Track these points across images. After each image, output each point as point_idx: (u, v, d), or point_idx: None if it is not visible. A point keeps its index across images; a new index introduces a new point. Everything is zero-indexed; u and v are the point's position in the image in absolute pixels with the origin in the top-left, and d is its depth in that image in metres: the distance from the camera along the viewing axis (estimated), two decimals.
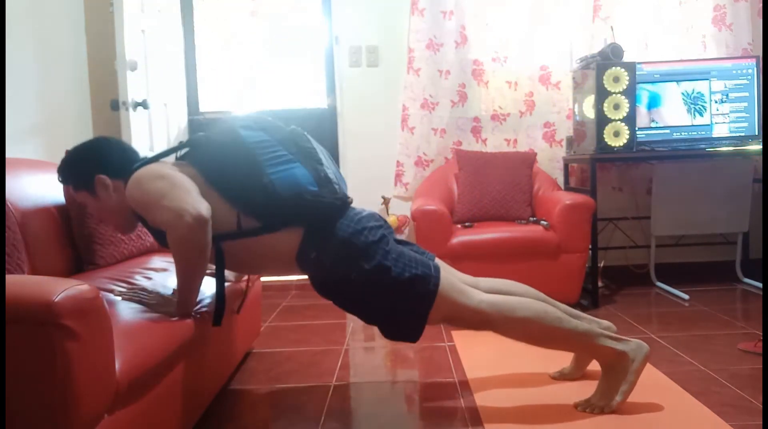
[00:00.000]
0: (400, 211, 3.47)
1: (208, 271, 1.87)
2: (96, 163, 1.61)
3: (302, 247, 1.57)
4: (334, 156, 3.56)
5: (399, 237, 3.33)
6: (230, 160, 1.55)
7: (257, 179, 1.52)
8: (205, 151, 1.60)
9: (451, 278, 1.65)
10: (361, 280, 1.55)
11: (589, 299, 2.94)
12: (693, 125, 3.20)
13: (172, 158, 1.69)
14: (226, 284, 1.83)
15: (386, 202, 3.45)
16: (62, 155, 1.96)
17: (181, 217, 1.40)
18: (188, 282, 1.47)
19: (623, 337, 1.69)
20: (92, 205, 1.65)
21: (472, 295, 1.64)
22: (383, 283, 1.55)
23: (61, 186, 1.98)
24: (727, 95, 3.19)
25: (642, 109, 3.17)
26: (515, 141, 3.47)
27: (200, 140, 1.63)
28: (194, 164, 1.60)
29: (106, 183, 1.61)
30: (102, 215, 1.67)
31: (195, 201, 1.43)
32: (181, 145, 1.68)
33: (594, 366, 1.94)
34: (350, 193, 3.51)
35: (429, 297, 1.58)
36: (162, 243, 1.59)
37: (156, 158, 1.62)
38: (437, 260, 1.74)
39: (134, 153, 1.69)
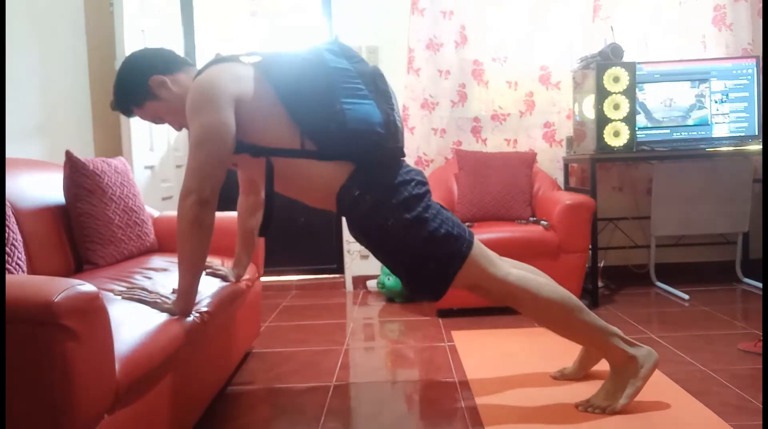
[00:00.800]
0: None
1: (208, 271, 1.88)
2: (141, 71, 1.60)
3: (348, 183, 1.56)
4: None
5: None
6: (308, 80, 1.53)
7: (330, 105, 1.51)
8: (285, 65, 1.57)
9: (484, 247, 1.66)
10: (397, 227, 1.55)
11: (589, 299, 2.94)
12: (693, 125, 3.20)
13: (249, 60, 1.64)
14: (226, 284, 1.84)
15: None
16: (62, 155, 1.96)
17: (187, 196, 1.42)
18: (187, 265, 1.46)
19: (636, 342, 1.70)
20: (164, 111, 1.63)
21: (502, 266, 1.65)
22: (418, 235, 1.55)
23: (61, 186, 1.98)
24: (727, 95, 3.19)
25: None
26: (515, 141, 3.47)
27: (282, 54, 1.60)
28: (268, 76, 1.56)
29: (162, 80, 1.59)
30: (178, 118, 1.63)
31: (209, 175, 1.43)
32: (262, 54, 1.63)
33: (595, 366, 1.94)
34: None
35: (460, 257, 1.58)
36: None
37: (228, 59, 1.58)
38: None
39: (175, 53, 1.68)
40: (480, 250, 1.63)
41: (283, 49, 1.63)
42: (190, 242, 1.44)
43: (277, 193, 1.61)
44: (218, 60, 1.59)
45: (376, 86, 1.59)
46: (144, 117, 1.67)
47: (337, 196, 1.58)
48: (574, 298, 1.68)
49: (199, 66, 1.67)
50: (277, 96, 1.54)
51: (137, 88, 1.60)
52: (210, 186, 1.44)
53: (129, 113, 1.67)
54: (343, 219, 1.63)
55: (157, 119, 1.67)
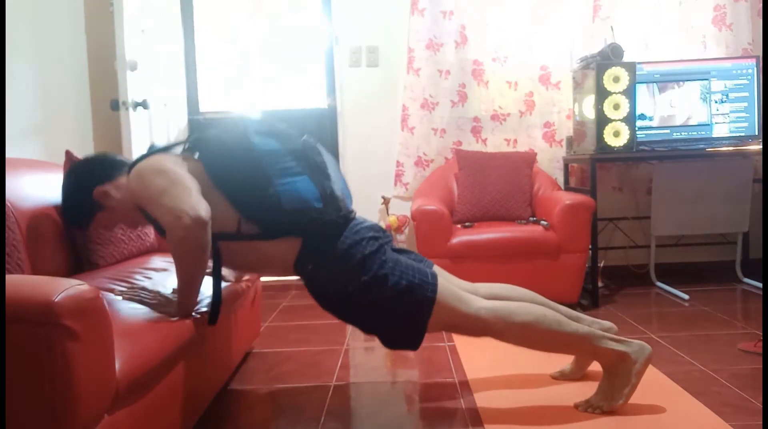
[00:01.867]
0: (400, 211, 3.47)
1: (208, 271, 1.88)
2: (85, 185, 1.62)
3: (299, 258, 1.58)
4: (334, 156, 3.56)
5: (399, 236, 3.31)
6: (238, 165, 1.55)
7: (263, 189, 1.52)
8: (215, 151, 1.59)
9: (450, 286, 1.64)
10: (359, 291, 1.55)
11: (589, 299, 2.94)
12: (693, 125, 3.20)
13: (178, 151, 1.68)
14: (226, 284, 1.84)
15: (386, 202, 3.45)
16: (62, 155, 1.96)
17: (179, 218, 1.39)
18: (188, 282, 1.46)
19: (625, 339, 1.69)
20: (115, 218, 1.66)
21: (471, 302, 1.63)
22: (381, 293, 1.55)
23: (60, 186, 1.98)
24: (727, 95, 3.19)
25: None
26: (515, 141, 3.47)
27: (210, 139, 1.62)
28: (202, 160, 1.59)
29: (106, 190, 1.61)
30: (129, 219, 1.66)
31: (194, 201, 1.42)
32: (189, 141, 1.66)
33: (595, 366, 1.94)
34: (351, 193, 3.51)
35: (427, 305, 1.57)
36: (163, 235, 1.58)
37: (161, 150, 1.61)
38: (435, 268, 1.74)
39: (112, 155, 1.70)
40: (446, 290, 1.61)
41: (210, 132, 1.64)
42: (191, 263, 1.44)
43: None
44: (151, 152, 1.59)
45: (308, 161, 1.60)
46: (98, 229, 1.71)
47: (294, 269, 1.60)
48: (550, 314, 1.66)
49: None
50: (213, 183, 1.55)
51: (84, 204, 1.63)
52: (191, 208, 1.40)
53: (88, 227, 1.71)
54: None
55: (109, 227, 1.72)
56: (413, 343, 1.61)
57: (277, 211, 1.52)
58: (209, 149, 1.60)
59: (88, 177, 1.63)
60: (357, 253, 1.56)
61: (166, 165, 1.50)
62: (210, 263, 1.94)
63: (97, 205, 1.63)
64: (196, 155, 1.63)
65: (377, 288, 1.55)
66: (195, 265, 1.45)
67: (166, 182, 1.45)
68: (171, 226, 1.41)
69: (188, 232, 1.39)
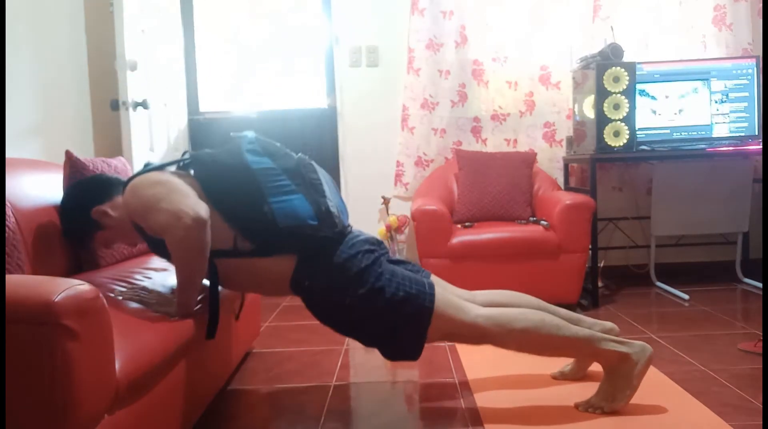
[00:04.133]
0: (400, 211, 3.47)
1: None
2: (83, 206, 1.65)
3: (295, 275, 1.57)
4: (334, 156, 3.56)
5: (399, 236, 3.32)
6: (233, 183, 1.56)
7: (258, 206, 1.53)
8: (210, 170, 1.60)
9: (447, 295, 1.64)
10: (356, 304, 1.55)
11: (589, 299, 2.94)
12: (693, 125, 3.20)
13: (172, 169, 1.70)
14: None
15: (386, 202, 3.45)
16: (62, 155, 1.96)
17: (179, 218, 1.40)
18: (188, 283, 1.46)
19: (626, 340, 1.69)
20: (113, 236, 1.69)
21: (469, 310, 1.63)
22: (378, 305, 1.55)
23: (61, 186, 1.98)
24: (727, 95, 3.19)
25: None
26: (515, 141, 3.47)
27: (205, 158, 1.63)
28: (197, 178, 1.60)
29: (104, 210, 1.64)
30: (128, 237, 1.68)
31: (193, 203, 1.43)
32: (183, 160, 1.68)
33: (595, 366, 1.94)
34: (351, 193, 3.51)
35: (425, 315, 1.57)
36: (160, 254, 1.60)
37: (155, 168, 1.62)
38: (433, 277, 1.74)
39: (107, 176, 1.74)
40: (444, 299, 1.61)
41: (205, 151, 1.65)
42: (191, 263, 1.45)
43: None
44: (148, 169, 1.60)
45: (303, 177, 1.60)
46: (98, 247, 1.75)
47: (290, 287, 1.60)
48: (549, 319, 1.65)
49: None
50: (209, 200, 1.55)
51: (82, 224, 1.66)
52: (190, 209, 1.41)
53: (89, 244, 1.75)
54: None
55: (109, 244, 1.73)
56: (413, 354, 1.62)
57: (272, 229, 1.53)
58: (204, 167, 1.62)
59: (86, 198, 1.66)
60: (353, 266, 1.56)
61: (163, 177, 1.52)
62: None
63: (96, 225, 1.65)
64: (192, 173, 1.64)
65: (375, 300, 1.55)
66: (195, 265, 1.45)
67: (163, 191, 1.46)
68: (171, 226, 1.41)
69: (188, 232, 1.40)
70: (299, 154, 1.67)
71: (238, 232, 1.56)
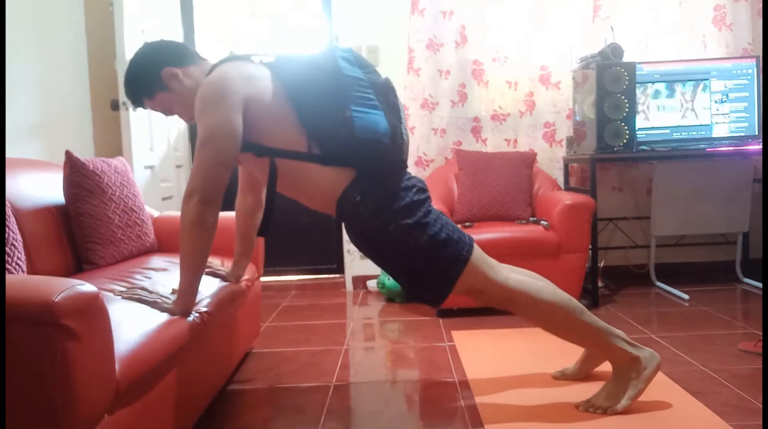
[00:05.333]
0: None
1: (207, 271, 1.88)
2: (154, 62, 1.61)
3: (349, 189, 1.56)
4: None
5: None
6: (320, 84, 1.54)
7: (340, 111, 1.52)
8: (298, 67, 1.58)
9: (483, 253, 1.66)
10: (398, 232, 1.55)
11: (589, 299, 2.94)
12: (693, 125, 3.20)
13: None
14: (225, 284, 1.84)
15: None
16: (62, 155, 1.96)
17: (191, 195, 1.43)
18: (188, 261, 1.46)
19: (638, 344, 1.70)
20: (175, 103, 1.64)
21: (501, 270, 1.66)
22: (419, 239, 1.55)
23: (61, 186, 1.98)
24: (727, 95, 3.19)
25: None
26: (515, 141, 3.47)
27: (296, 57, 1.60)
28: (280, 77, 1.57)
29: (175, 72, 1.60)
30: (189, 110, 1.64)
31: (212, 175, 1.43)
32: (276, 55, 1.65)
33: (596, 368, 1.94)
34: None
35: (461, 261, 1.58)
36: None
37: (241, 58, 1.60)
38: None
39: (185, 44, 1.69)
40: (480, 254, 1.64)
41: (297, 51, 1.63)
42: (192, 242, 1.44)
43: (277, 193, 1.61)
44: (231, 58, 1.60)
45: (387, 98, 1.60)
46: (154, 108, 1.68)
47: (338, 201, 1.58)
48: (574, 301, 1.68)
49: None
50: (287, 98, 1.55)
51: (149, 78, 1.61)
52: (213, 186, 1.44)
53: (140, 104, 1.68)
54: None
55: (167, 111, 1.68)
56: (436, 299, 1.62)
57: (347, 137, 1.52)
58: (294, 64, 1.59)
59: (163, 55, 1.62)
60: (406, 196, 1.57)
61: (229, 90, 1.47)
62: (212, 261, 1.96)
63: (162, 85, 1.61)
64: (274, 70, 1.60)
65: (417, 233, 1.55)
66: (196, 244, 1.44)
67: (213, 128, 1.45)
68: (185, 197, 1.44)
69: (194, 208, 1.42)
70: (386, 77, 1.66)
71: (310, 135, 1.54)
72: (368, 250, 1.62)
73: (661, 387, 1.84)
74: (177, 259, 1.96)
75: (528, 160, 3.18)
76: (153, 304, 1.46)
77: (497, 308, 1.70)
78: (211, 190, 1.44)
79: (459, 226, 2.94)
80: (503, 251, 2.77)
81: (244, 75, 1.52)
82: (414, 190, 1.60)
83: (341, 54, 1.59)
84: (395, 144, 1.58)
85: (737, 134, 3.19)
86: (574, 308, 1.66)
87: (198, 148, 1.46)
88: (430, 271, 1.58)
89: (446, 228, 1.60)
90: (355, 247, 3.50)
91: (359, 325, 2.73)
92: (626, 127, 2.94)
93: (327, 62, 1.56)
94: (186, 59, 1.64)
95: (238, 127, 1.48)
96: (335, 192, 1.57)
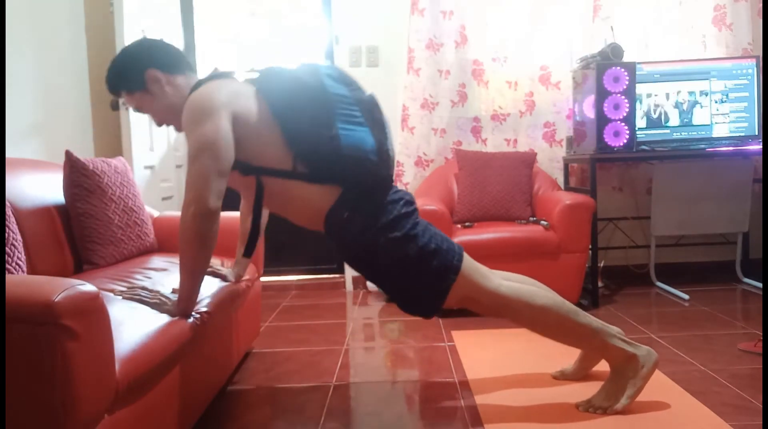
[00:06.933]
0: None
1: (209, 270, 1.88)
2: (144, 59, 1.60)
3: (336, 205, 1.57)
4: None
5: None
6: (305, 102, 1.54)
7: (326, 129, 1.52)
8: (282, 85, 1.58)
9: (473, 261, 1.66)
10: (388, 246, 1.55)
11: (589, 299, 2.94)
12: (693, 125, 3.20)
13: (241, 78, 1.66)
14: (225, 284, 1.84)
15: None
16: (62, 155, 1.96)
17: (189, 206, 1.41)
18: (187, 272, 1.45)
19: (635, 342, 1.70)
20: (150, 105, 1.63)
21: (492, 278, 1.66)
22: (409, 251, 1.56)
23: (61, 186, 1.98)
24: (727, 95, 3.19)
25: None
26: (515, 141, 3.47)
27: (281, 72, 1.60)
28: (265, 94, 1.57)
29: (157, 76, 1.60)
30: (161, 115, 1.64)
31: (206, 187, 1.41)
32: (260, 71, 1.64)
33: (596, 367, 1.94)
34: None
35: (451, 270, 1.58)
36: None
37: (225, 75, 1.59)
38: None
39: (181, 52, 1.69)
40: (470, 263, 1.64)
41: (282, 66, 1.63)
42: (191, 252, 1.44)
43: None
44: (215, 76, 1.59)
45: (372, 115, 1.61)
46: (129, 102, 1.67)
47: (326, 218, 1.59)
48: (568, 303, 1.68)
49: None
50: (273, 115, 1.55)
51: (133, 74, 1.60)
52: (208, 197, 1.42)
53: (116, 93, 1.67)
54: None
55: (139, 109, 1.67)
56: (429, 310, 1.62)
57: (334, 155, 1.52)
58: (278, 79, 1.59)
59: (152, 55, 1.61)
60: (394, 210, 1.58)
61: (217, 104, 1.46)
62: (212, 261, 1.96)
63: (143, 85, 1.61)
64: (258, 87, 1.60)
65: (406, 246, 1.56)
66: (196, 252, 1.44)
67: (204, 141, 1.43)
68: (184, 207, 1.43)
69: (193, 221, 1.41)
70: (370, 92, 1.66)
71: (296, 153, 1.54)
72: (359, 265, 1.63)
73: (661, 387, 1.84)
74: (177, 259, 1.96)
75: (528, 160, 3.17)
76: (153, 305, 1.46)
77: (491, 316, 1.70)
78: (206, 201, 1.41)
79: (459, 226, 2.95)
80: (503, 251, 2.77)
81: (230, 91, 1.53)
82: (401, 202, 1.61)
83: (326, 71, 1.60)
84: (382, 160, 1.59)
85: (737, 134, 3.19)
86: (568, 310, 1.66)
87: (192, 159, 1.44)
88: (422, 283, 1.59)
89: (435, 238, 1.60)
90: None
91: (359, 325, 2.73)
92: (626, 127, 2.94)
93: (311, 80, 1.57)
94: (175, 67, 1.63)
95: (229, 136, 1.48)
96: (322, 209, 1.58)
